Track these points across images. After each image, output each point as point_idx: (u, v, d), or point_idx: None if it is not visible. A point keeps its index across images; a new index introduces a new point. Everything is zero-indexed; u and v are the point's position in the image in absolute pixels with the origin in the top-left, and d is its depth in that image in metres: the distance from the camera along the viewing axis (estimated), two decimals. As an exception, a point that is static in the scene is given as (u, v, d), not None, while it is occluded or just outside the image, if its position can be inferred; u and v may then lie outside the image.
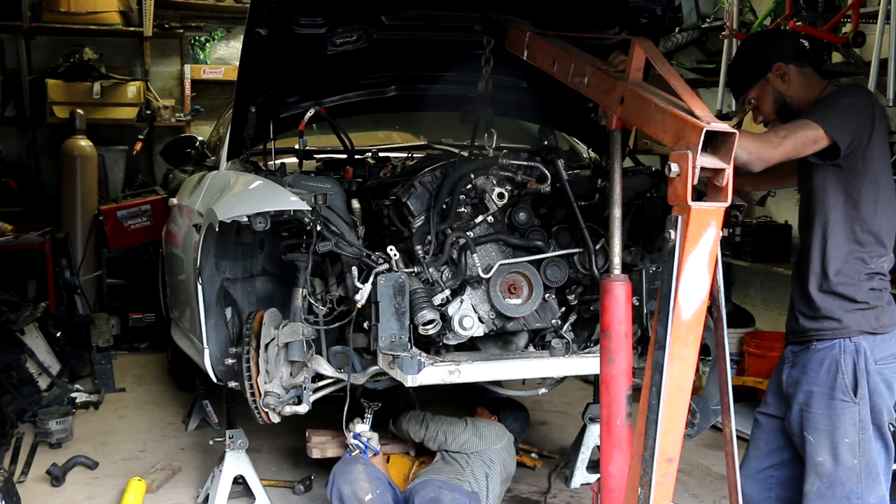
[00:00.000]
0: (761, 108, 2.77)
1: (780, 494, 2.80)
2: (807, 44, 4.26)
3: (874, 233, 2.61)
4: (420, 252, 3.09)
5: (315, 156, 4.13)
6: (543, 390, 3.78)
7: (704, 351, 2.35)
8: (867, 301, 2.60)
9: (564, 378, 3.68)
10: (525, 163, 3.26)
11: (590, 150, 4.30)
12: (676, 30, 5.82)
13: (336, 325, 3.25)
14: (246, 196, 3.30)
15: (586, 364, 3.25)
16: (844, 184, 2.58)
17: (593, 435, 4.11)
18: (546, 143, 3.37)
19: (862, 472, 2.57)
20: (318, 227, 3.01)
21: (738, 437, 2.43)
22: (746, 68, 2.81)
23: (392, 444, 3.92)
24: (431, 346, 3.18)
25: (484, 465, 3.55)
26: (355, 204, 3.35)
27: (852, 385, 2.56)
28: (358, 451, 3.52)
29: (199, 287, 3.38)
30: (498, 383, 3.85)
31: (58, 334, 5.75)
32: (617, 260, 2.57)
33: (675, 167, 2.03)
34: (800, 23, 4.60)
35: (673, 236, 2.06)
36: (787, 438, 2.75)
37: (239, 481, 3.78)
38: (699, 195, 2.04)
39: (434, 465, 3.63)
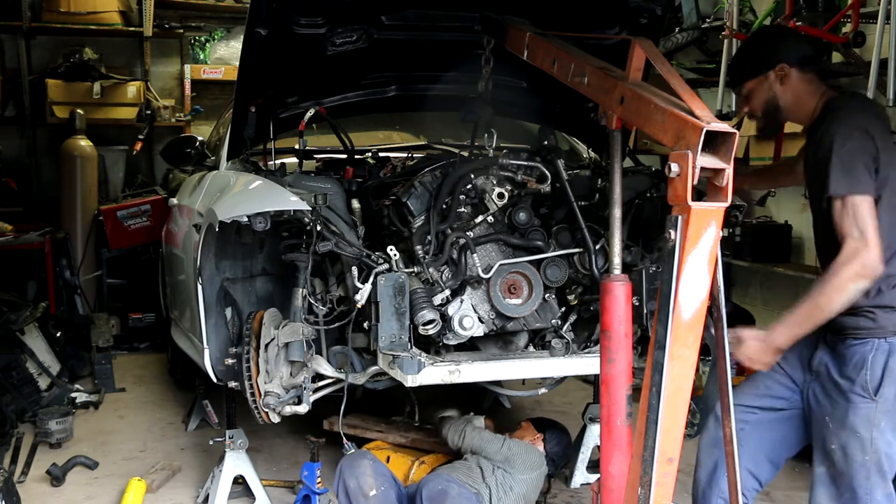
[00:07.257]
0: (751, 102, 2.79)
1: (750, 432, 2.77)
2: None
3: (884, 237, 2.59)
4: (420, 252, 3.09)
5: (315, 156, 4.12)
6: (543, 390, 3.77)
7: (704, 351, 2.35)
8: None
9: (564, 378, 3.68)
10: (525, 163, 3.26)
11: (590, 150, 4.30)
12: (676, 30, 5.83)
13: (336, 325, 3.25)
14: (246, 196, 3.30)
15: (586, 364, 3.25)
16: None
17: (593, 435, 4.11)
18: (546, 143, 3.37)
19: (871, 468, 2.57)
20: (318, 227, 3.01)
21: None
22: (751, 59, 2.81)
23: (389, 432, 3.97)
24: (431, 346, 3.18)
25: (500, 487, 3.45)
26: (355, 204, 3.34)
27: (876, 383, 2.55)
28: (353, 449, 3.51)
29: (199, 287, 3.38)
30: (498, 383, 3.85)
31: (58, 334, 5.74)
32: (617, 260, 2.57)
33: (675, 167, 2.03)
34: (800, 23, 4.60)
35: (673, 236, 2.06)
36: (788, 394, 2.76)
37: (239, 481, 3.78)
38: (699, 195, 2.04)
39: (453, 465, 3.58)
